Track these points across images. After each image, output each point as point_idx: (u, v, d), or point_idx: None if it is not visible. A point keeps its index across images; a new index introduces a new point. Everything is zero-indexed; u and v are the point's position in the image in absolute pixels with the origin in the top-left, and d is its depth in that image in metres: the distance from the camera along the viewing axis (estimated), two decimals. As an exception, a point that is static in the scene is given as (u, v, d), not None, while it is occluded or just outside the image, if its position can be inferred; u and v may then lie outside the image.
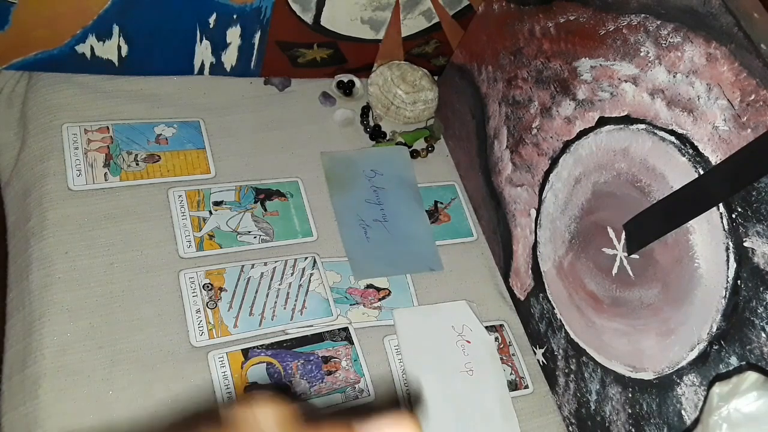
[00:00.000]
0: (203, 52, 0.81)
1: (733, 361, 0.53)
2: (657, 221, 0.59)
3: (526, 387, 0.74)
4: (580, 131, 0.67)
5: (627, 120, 0.61)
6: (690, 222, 0.56)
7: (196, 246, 0.71)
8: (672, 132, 0.57)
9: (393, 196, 0.82)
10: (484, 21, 0.80)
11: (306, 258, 0.74)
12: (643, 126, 0.59)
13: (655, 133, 0.58)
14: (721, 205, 0.53)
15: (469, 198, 0.87)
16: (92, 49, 0.75)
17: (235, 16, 0.77)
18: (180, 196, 0.73)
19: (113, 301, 0.65)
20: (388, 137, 0.88)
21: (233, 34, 0.80)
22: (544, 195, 0.73)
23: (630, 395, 0.63)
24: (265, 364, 0.66)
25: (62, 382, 0.60)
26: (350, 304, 0.73)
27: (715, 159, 0.53)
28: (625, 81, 0.61)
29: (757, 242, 0.50)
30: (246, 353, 0.66)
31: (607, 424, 0.66)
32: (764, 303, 0.50)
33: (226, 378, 0.64)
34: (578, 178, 0.68)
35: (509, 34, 0.75)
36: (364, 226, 0.79)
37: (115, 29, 0.74)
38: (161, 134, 0.77)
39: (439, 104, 0.90)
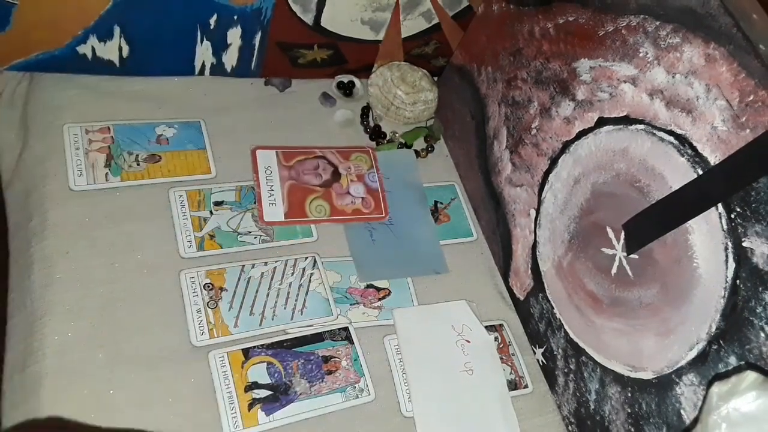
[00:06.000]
0: (204, 52, 0.81)
1: (732, 360, 0.53)
2: (656, 221, 0.59)
3: (526, 386, 0.74)
4: (580, 131, 0.67)
5: (626, 120, 0.61)
6: (689, 222, 0.56)
7: (197, 246, 0.71)
8: (671, 132, 0.57)
9: (399, 198, 0.82)
10: (483, 22, 0.80)
11: (306, 258, 0.74)
12: (642, 126, 0.60)
13: (654, 134, 0.58)
14: (720, 205, 0.53)
15: (468, 198, 0.87)
16: (93, 49, 0.76)
17: (235, 17, 0.78)
18: (181, 196, 0.73)
19: (114, 300, 0.65)
20: (388, 137, 0.88)
21: (234, 35, 0.80)
22: (543, 195, 0.73)
23: (629, 395, 0.63)
24: (265, 363, 0.66)
25: (63, 381, 0.60)
26: (350, 304, 0.73)
27: (713, 159, 0.53)
28: (624, 81, 0.61)
29: (755, 242, 0.50)
30: (246, 353, 0.66)
31: (606, 424, 0.66)
32: (763, 303, 0.50)
33: (226, 377, 0.64)
34: (577, 179, 0.68)
35: (509, 34, 0.75)
36: (370, 228, 0.79)
37: (116, 30, 0.75)
38: (162, 134, 0.77)
39: (439, 105, 0.90)
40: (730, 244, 0.52)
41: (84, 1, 0.71)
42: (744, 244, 0.51)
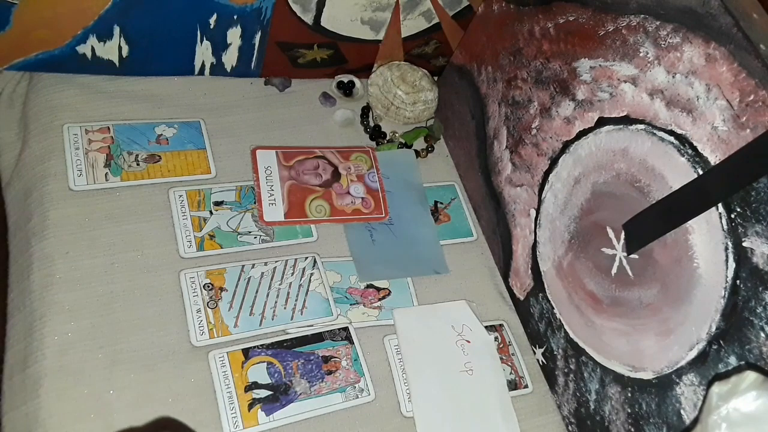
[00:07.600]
0: (204, 52, 0.81)
1: (732, 360, 0.53)
2: (656, 221, 0.59)
3: (526, 387, 0.74)
4: (580, 131, 0.67)
5: (626, 120, 0.61)
6: (689, 222, 0.56)
7: (197, 246, 0.71)
8: (671, 132, 0.57)
9: (399, 198, 0.82)
10: (483, 21, 0.80)
11: (306, 258, 0.74)
12: (642, 126, 0.60)
13: (655, 134, 0.58)
14: (720, 205, 0.53)
15: (468, 198, 0.87)
16: (93, 49, 0.76)
17: (235, 17, 0.78)
18: (181, 196, 0.73)
19: (114, 300, 0.65)
20: (388, 137, 0.88)
21: (234, 35, 0.80)
22: (543, 195, 0.73)
23: (629, 395, 0.63)
24: (265, 363, 0.66)
25: (63, 381, 0.60)
26: (350, 304, 0.73)
27: (714, 159, 0.53)
28: (625, 81, 0.61)
29: (756, 242, 0.50)
30: (246, 353, 0.66)
31: (606, 424, 0.66)
32: (763, 303, 0.50)
33: (226, 377, 0.64)
34: (578, 179, 0.68)
35: (509, 34, 0.75)
36: (370, 228, 0.79)
37: (116, 30, 0.75)
38: (162, 134, 0.77)
39: (439, 105, 0.90)
40: (730, 244, 0.52)
41: (84, 1, 0.71)
42: (744, 244, 0.51)
